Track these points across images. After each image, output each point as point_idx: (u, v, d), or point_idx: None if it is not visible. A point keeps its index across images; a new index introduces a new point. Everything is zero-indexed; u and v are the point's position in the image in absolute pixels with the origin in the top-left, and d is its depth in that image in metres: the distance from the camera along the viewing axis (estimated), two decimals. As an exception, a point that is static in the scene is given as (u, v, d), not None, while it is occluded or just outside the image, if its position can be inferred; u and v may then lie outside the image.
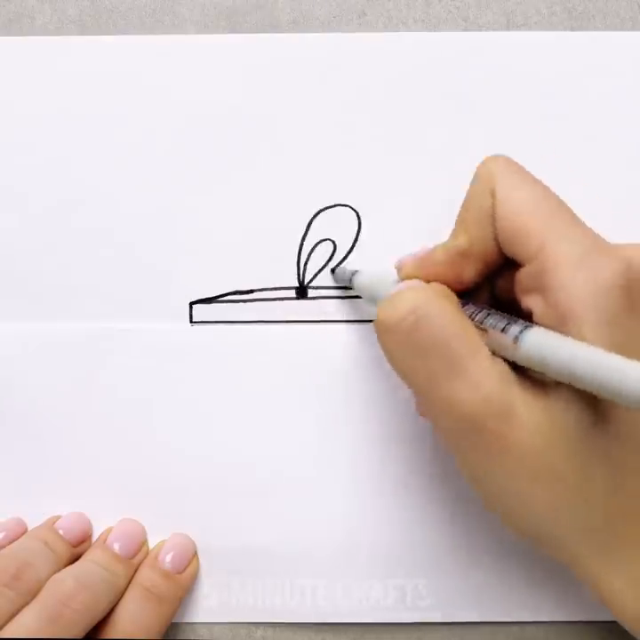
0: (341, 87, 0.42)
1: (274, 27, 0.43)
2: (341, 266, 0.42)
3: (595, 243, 0.32)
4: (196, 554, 0.42)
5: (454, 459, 0.34)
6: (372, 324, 0.42)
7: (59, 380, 0.42)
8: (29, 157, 0.42)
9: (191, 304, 0.42)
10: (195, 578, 0.42)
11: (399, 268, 0.37)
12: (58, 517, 0.41)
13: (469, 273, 0.35)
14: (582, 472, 0.31)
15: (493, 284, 0.37)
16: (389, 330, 0.33)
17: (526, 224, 0.32)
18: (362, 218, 0.42)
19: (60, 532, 0.41)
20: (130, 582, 0.40)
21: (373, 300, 0.38)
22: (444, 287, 0.35)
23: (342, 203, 0.42)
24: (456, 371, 0.31)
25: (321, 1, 0.43)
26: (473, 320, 0.33)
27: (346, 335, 0.42)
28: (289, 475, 0.42)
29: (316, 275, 0.42)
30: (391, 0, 0.43)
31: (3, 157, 0.42)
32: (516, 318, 0.33)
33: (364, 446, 0.42)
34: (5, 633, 0.35)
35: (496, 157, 0.35)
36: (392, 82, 0.42)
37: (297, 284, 0.42)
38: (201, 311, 0.42)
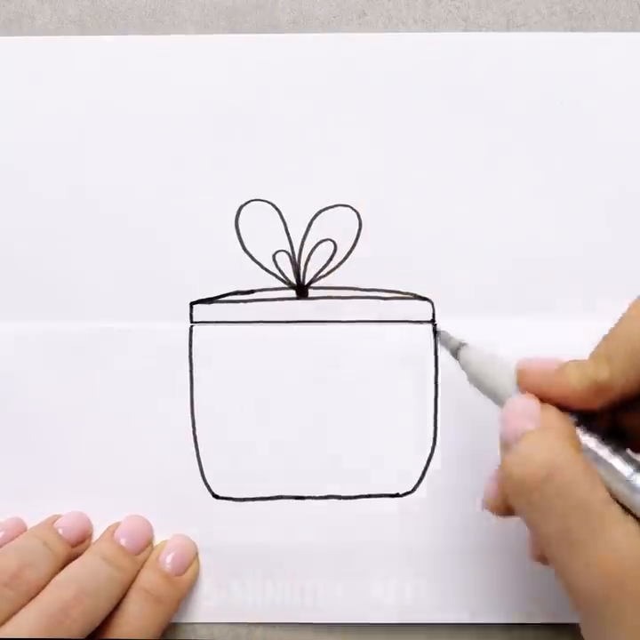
0: (341, 87, 0.42)
1: (274, 27, 0.43)
2: (445, 331, 0.39)
3: None
4: (196, 555, 0.42)
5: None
6: (373, 325, 0.42)
7: (59, 379, 0.42)
8: (29, 158, 0.42)
9: (192, 304, 0.42)
10: (195, 580, 0.41)
11: (522, 373, 0.34)
12: (58, 517, 0.41)
13: (600, 405, 0.33)
14: None
15: (617, 413, 0.35)
16: (529, 491, 0.31)
17: None
18: (362, 218, 0.42)
19: (60, 531, 0.41)
20: (133, 580, 0.40)
21: (478, 384, 0.36)
22: (570, 427, 0.32)
23: (343, 203, 0.42)
24: (595, 532, 0.30)
25: (321, 1, 0.43)
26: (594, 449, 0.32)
27: (346, 335, 0.42)
28: (288, 474, 0.42)
29: (316, 275, 0.42)
30: (391, 0, 0.43)
31: (2, 157, 0.42)
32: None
33: (364, 445, 0.42)
34: (2, 634, 0.35)
35: None
36: (392, 82, 0.42)
37: (297, 285, 0.42)
38: (201, 311, 0.42)
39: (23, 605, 0.36)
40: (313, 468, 0.42)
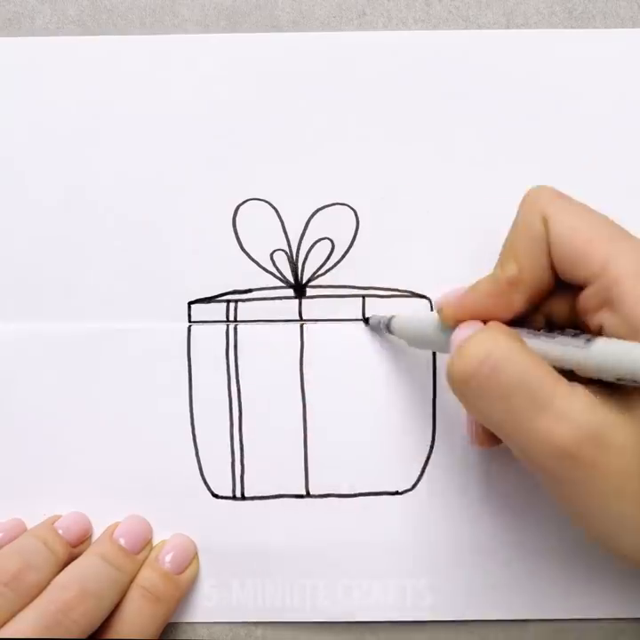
0: (341, 86, 0.42)
1: (274, 27, 0.43)
2: (374, 315, 0.42)
3: None
4: (196, 555, 0.42)
5: (545, 489, 0.34)
6: (366, 321, 0.42)
7: (59, 379, 0.42)
8: (29, 158, 0.42)
9: (190, 304, 0.42)
10: (194, 579, 0.42)
11: (441, 309, 0.36)
12: (58, 517, 0.41)
13: (519, 302, 0.35)
14: None
15: (542, 311, 0.36)
16: (465, 382, 0.32)
17: (585, 245, 0.33)
18: (360, 216, 0.42)
19: (60, 531, 0.41)
20: (133, 580, 0.40)
21: (418, 343, 0.38)
22: (504, 326, 0.34)
23: (340, 201, 0.42)
24: (541, 406, 0.31)
25: (321, 1, 0.43)
26: (537, 336, 0.33)
27: (344, 334, 0.42)
28: (288, 474, 0.42)
29: (314, 273, 0.42)
30: (391, 0, 0.43)
31: (2, 157, 0.42)
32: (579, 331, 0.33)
33: (363, 443, 0.42)
34: (3, 635, 0.35)
35: (542, 186, 0.36)
36: (392, 81, 0.42)
37: (295, 283, 0.42)
38: (199, 311, 0.42)
39: (24, 606, 0.36)
40: (313, 467, 0.42)
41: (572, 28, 0.43)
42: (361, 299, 0.42)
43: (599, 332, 0.33)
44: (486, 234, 0.42)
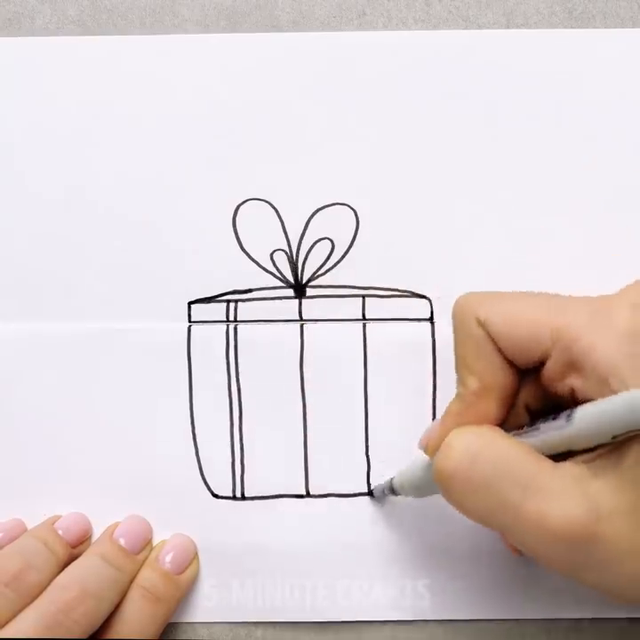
0: (341, 86, 0.42)
1: (274, 27, 0.43)
2: (378, 484, 0.41)
3: (591, 302, 0.33)
4: (196, 555, 0.42)
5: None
6: (371, 323, 0.42)
7: (59, 379, 0.42)
8: (29, 158, 0.42)
9: (189, 304, 0.42)
10: (194, 579, 0.41)
11: (425, 446, 0.36)
12: (58, 517, 0.41)
13: (493, 409, 0.34)
14: None
15: (519, 405, 0.36)
16: (451, 477, 0.32)
17: (529, 327, 0.33)
18: (360, 216, 0.42)
19: (60, 532, 0.41)
20: (133, 580, 0.40)
21: (423, 491, 0.38)
22: (491, 427, 0.34)
23: (340, 201, 0.42)
24: (530, 491, 0.31)
25: (321, 1, 0.43)
26: (521, 435, 0.33)
27: (344, 334, 0.42)
28: (288, 474, 0.42)
29: (314, 273, 0.42)
30: (391, 0, 0.43)
31: (2, 157, 0.42)
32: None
33: (363, 443, 0.42)
34: (3, 635, 0.35)
35: (464, 295, 0.35)
36: (392, 81, 0.42)
37: (295, 283, 0.42)
38: (199, 311, 0.42)
39: (24, 606, 0.36)
40: (313, 467, 0.42)
41: (572, 27, 0.43)
42: (361, 299, 0.42)
43: (573, 398, 0.32)
44: (486, 233, 0.42)
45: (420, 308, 0.42)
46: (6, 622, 0.36)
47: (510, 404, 0.35)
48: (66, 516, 0.42)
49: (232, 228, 0.42)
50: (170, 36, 0.43)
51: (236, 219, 0.42)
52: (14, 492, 0.42)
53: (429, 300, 0.42)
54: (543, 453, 0.32)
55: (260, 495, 0.42)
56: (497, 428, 0.34)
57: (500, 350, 0.34)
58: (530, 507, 0.31)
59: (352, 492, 0.42)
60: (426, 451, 0.36)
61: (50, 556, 0.39)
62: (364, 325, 0.42)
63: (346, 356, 0.42)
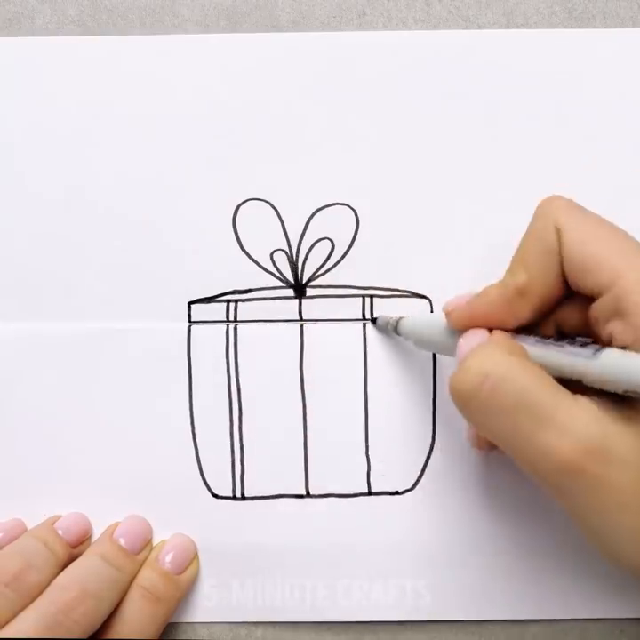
0: (341, 86, 0.42)
1: (274, 27, 0.43)
2: (382, 315, 0.42)
3: None
4: (196, 555, 0.42)
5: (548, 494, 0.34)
6: (374, 321, 0.42)
7: (59, 379, 0.42)
8: (29, 158, 0.42)
9: (189, 304, 0.42)
10: (194, 579, 0.41)
11: (449, 313, 0.36)
12: (58, 517, 0.41)
13: (527, 311, 0.35)
14: None
15: (553, 318, 0.36)
16: (467, 399, 0.33)
17: (598, 256, 0.33)
18: (360, 216, 0.42)
19: (60, 532, 0.41)
20: (133, 580, 0.40)
21: (425, 345, 0.39)
22: (508, 338, 0.35)
23: (340, 201, 0.42)
24: (544, 422, 0.31)
25: (321, 1, 0.43)
26: (545, 345, 0.34)
27: (344, 333, 0.42)
28: (288, 474, 0.42)
29: (314, 273, 0.42)
30: (391, 0, 0.43)
31: (2, 157, 0.42)
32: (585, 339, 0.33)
33: (363, 443, 0.42)
34: (3, 636, 0.35)
35: (555, 197, 0.36)
36: (392, 81, 0.42)
37: (295, 283, 0.42)
38: (199, 311, 0.42)
39: (24, 606, 0.36)
40: (312, 467, 0.42)
41: (572, 27, 0.43)
42: (361, 299, 0.42)
43: (610, 342, 0.33)
44: (486, 233, 0.42)
45: (419, 308, 0.42)
46: (6, 622, 0.36)
47: (544, 314, 0.35)
48: (66, 516, 0.42)
49: (232, 228, 0.42)
50: (170, 36, 0.43)
51: (236, 219, 0.42)
52: (14, 492, 0.42)
53: (429, 300, 0.42)
54: (555, 373, 0.32)
55: (260, 495, 0.42)
56: (518, 349, 0.34)
57: (561, 261, 0.34)
58: (543, 439, 0.31)
59: (352, 492, 0.42)
60: (447, 316, 0.36)
61: (50, 556, 0.39)
62: (364, 325, 0.42)
63: (346, 356, 0.42)
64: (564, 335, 0.35)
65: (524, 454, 0.32)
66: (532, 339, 0.34)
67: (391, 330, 0.41)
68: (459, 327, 0.36)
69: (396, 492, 0.42)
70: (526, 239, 0.36)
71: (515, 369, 0.32)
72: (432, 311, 0.42)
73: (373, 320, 0.42)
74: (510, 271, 0.36)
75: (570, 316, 0.36)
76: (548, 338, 0.34)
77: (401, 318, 0.40)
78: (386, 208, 0.42)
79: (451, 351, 0.36)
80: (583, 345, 0.32)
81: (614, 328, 0.33)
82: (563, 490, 0.32)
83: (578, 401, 0.32)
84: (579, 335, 0.35)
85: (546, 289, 0.35)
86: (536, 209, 0.36)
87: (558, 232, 0.34)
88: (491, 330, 0.35)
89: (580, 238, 0.34)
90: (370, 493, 0.42)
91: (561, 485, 0.32)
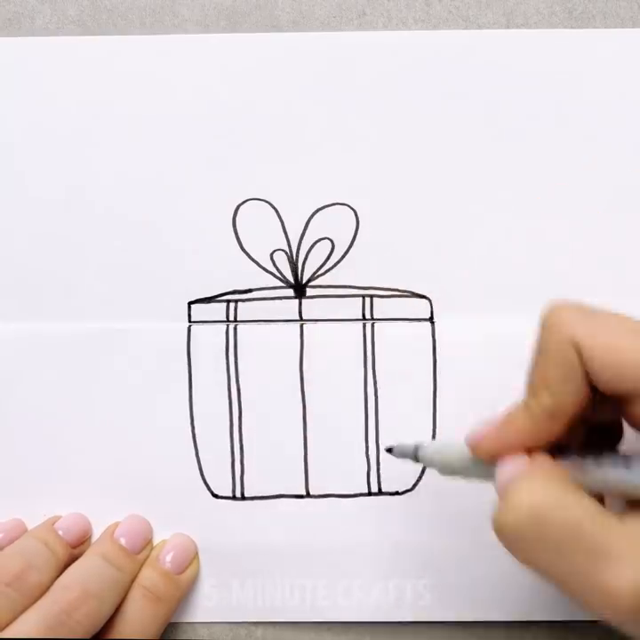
0: (341, 86, 0.42)
1: (274, 27, 0.43)
2: (399, 444, 0.38)
3: None
4: (196, 554, 0.42)
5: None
6: (371, 323, 0.42)
7: (59, 379, 0.42)
8: (29, 158, 0.42)
9: (190, 304, 0.42)
10: (195, 578, 0.42)
11: (475, 445, 0.34)
12: (58, 518, 0.41)
13: (559, 430, 0.32)
14: None
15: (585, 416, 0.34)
16: (515, 538, 0.31)
17: (626, 363, 0.31)
18: (360, 216, 0.42)
19: (60, 532, 0.41)
20: (133, 580, 0.40)
21: (451, 473, 0.36)
22: (550, 464, 0.32)
23: (340, 201, 0.42)
24: (598, 557, 0.29)
25: (321, 1, 0.43)
26: (586, 465, 0.32)
27: (344, 333, 0.42)
28: (288, 474, 0.42)
29: (314, 273, 0.42)
30: (391, 0, 0.43)
31: (2, 157, 0.42)
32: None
33: (363, 443, 0.42)
34: (6, 636, 0.35)
35: (563, 307, 0.33)
36: (392, 81, 0.42)
37: (295, 283, 0.42)
38: (199, 311, 0.42)
39: (25, 607, 0.37)
40: (312, 467, 0.42)
41: (572, 27, 0.43)
42: (361, 299, 0.42)
43: None
44: (486, 234, 0.42)
45: (420, 308, 0.42)
46: (8, 622, 0.36)
47: (575, 425, 0.33)
48: (66, 516, 0.42)
49: (232, 228, 0.42)
50: (170, 36, 0.43)
51: (236, 219, 0.42)
52: (14, 491, 0.42)
53: (429, 300, 0.42)
54: (598, 492, 0.31)
55: (260, 495, 0.42)
56: (563, 476, 0.31)
57: (586, 376, 0.32)
58: (599, 576, 0.29)
59: (352, 492, 0.42)
60: (473, 449, 0.34)
61: (50, 557, 0.39)
62: (364, 325, 0.42)
63: (346, 356, 0.42)
64: (593, 434, 0.34)
65: (582, 593, 0.30)
66: (568, 460, 0.32)
67: (410, 459, 0.38)
68: (489, 459, 0.33)
69: (396, 492, 0.42)
70: (543, 358, 0.33)
71: (562, 500, 0.30)
72: (432, 311, 0.42)
73: (388, 450, 0.39)
74: (532, 393, 0.33)
75: (599, 412, 0.34)
76: (585, 453, 0.32)
77: (418, 447, 0.37)
78: (386, 208, 0.42)
79: (483, 477, 0.34)
80: (615, 457, 0.31)
81: None
82: (629, 625, 0.30)
83: (625, 525, 0.29)
84: (607, 426, 0.34)
85: (578, 406, 0.32)
86: (543, 319, 0.33)
87: (577, 347, 0.32)
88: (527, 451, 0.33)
89: (603, 351, 0.31)
90: (370, 493, 0.42)
91: (626, 622, 0.29)
